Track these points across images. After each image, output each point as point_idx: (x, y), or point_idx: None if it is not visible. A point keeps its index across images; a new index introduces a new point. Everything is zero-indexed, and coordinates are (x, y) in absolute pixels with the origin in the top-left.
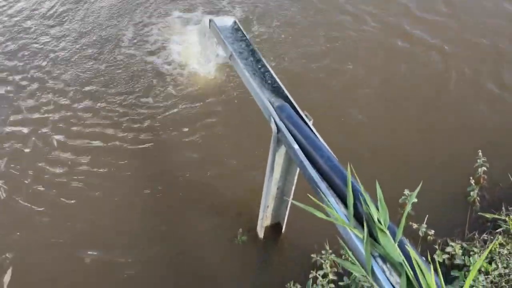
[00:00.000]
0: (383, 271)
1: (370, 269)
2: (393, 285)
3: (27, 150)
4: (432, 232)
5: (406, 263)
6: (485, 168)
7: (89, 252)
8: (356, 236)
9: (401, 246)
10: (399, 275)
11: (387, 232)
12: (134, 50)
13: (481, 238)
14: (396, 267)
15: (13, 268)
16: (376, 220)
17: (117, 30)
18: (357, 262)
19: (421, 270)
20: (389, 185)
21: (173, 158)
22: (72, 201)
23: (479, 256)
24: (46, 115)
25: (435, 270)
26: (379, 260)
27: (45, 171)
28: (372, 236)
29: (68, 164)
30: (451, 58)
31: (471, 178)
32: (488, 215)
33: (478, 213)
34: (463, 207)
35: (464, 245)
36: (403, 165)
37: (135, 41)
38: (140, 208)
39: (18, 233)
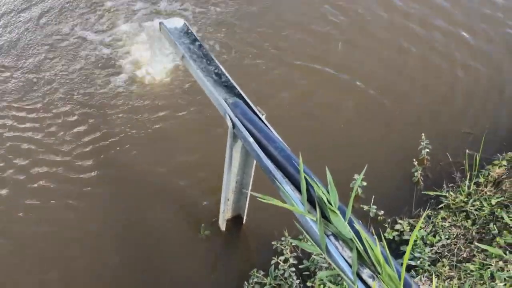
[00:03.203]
0: (336, 248)
1: (325, 247)
2: (345, 259)
3: None
4: (382, 212)
5: (356, 238)
6: (427, 150)
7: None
8: (310, 219)
9: (351, 224)
10: (351, 250)
11: (338, 212)
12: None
13: (426, 214)
14: (348, 243)
15: None
16: (327, 202)
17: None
18: (313, 242)
19: (368, 243)
20: (341, 172)
21: (129, 156)
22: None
23: (425, 230)
24: None
25: (381, 242)
26: (332, 238)
27: None
28: (325, 217)
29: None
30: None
31: (414, 160)
32: (431, 193)
33: (422, 192)
34: (409, 187)
35: (411, 222)
36: (352, 154)
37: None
38: (98, 210)
39: None
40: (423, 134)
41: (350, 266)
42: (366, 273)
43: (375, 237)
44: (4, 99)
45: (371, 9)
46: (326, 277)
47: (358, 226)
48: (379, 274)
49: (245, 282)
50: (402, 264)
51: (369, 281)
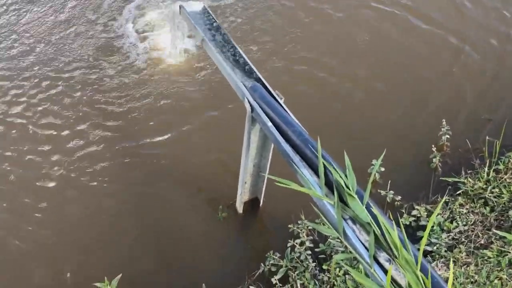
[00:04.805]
0: (353, 231)
1: (342, 230)
2: (362, 243)
3: None
4: (399, 198)
5: (373, 222)
6: (448, 136)
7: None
8: (328, 203)
9: (368, 208)
10: (368, 233)
11: (355, 196)
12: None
13: (443, 200)
14: (365, 227)
15: None
16: (344, 186)
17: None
18: (330, 225)
19: (386, 227)
20: (360, 157)
21: (148, 138)
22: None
23: (443, 216)
24: None
25: (398, 226)
26: (349, 222)
27: None
28: (343, 201)
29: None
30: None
31: (433, 146)
32: (449, 179)
33: (440, 178)
34: (427, 173)
35: (428, 207)
36: (372, 139)
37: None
38: (117, 195)
39: None
40: (444, 120)
41: (367, 249)
42: (383, 256)
43: (393, 221)
44: None
45: None
46: (342, 260)
47: (375, 210)
48: (396, 258)
49: (261, 264)
50: (418, 249)
51: (386, 265)
